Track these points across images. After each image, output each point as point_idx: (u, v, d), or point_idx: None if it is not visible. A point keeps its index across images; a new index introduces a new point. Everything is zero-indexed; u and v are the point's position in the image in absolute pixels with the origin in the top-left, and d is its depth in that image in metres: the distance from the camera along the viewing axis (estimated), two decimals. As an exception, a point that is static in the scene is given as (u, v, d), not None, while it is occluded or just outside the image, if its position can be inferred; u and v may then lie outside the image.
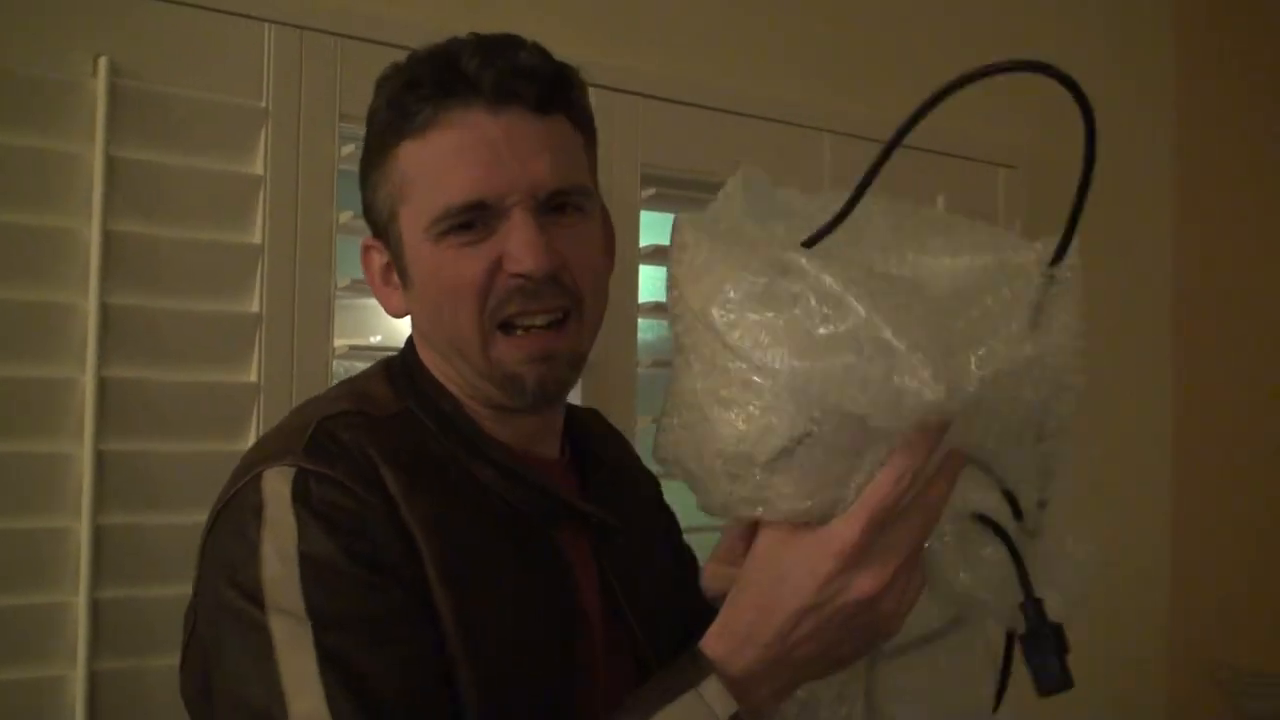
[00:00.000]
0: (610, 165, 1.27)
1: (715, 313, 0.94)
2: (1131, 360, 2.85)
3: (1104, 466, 2.71)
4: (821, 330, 0.90)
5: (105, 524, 1.52)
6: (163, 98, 1.59)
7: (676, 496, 1.48)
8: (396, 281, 1.21)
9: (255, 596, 1.02)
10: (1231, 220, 2.90)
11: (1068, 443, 1.03)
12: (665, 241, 2.05)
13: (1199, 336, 2.93)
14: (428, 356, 1.21)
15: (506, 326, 1.14)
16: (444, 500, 1.11)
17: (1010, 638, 1.10)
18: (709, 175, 2.13)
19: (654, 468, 1.30)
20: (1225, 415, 2.88)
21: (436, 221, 1.13)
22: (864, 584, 0.95)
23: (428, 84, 1.13)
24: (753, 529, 1.03)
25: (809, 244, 1.01)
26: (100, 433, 1.52)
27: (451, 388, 1.19)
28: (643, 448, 2.00)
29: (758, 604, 0.99)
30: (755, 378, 0.92)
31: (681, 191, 2.11)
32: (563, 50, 1.19)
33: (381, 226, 1.20)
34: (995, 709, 1.12)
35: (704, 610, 1.43)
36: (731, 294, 0.94)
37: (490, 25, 1.19)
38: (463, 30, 1.19)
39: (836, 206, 1.05)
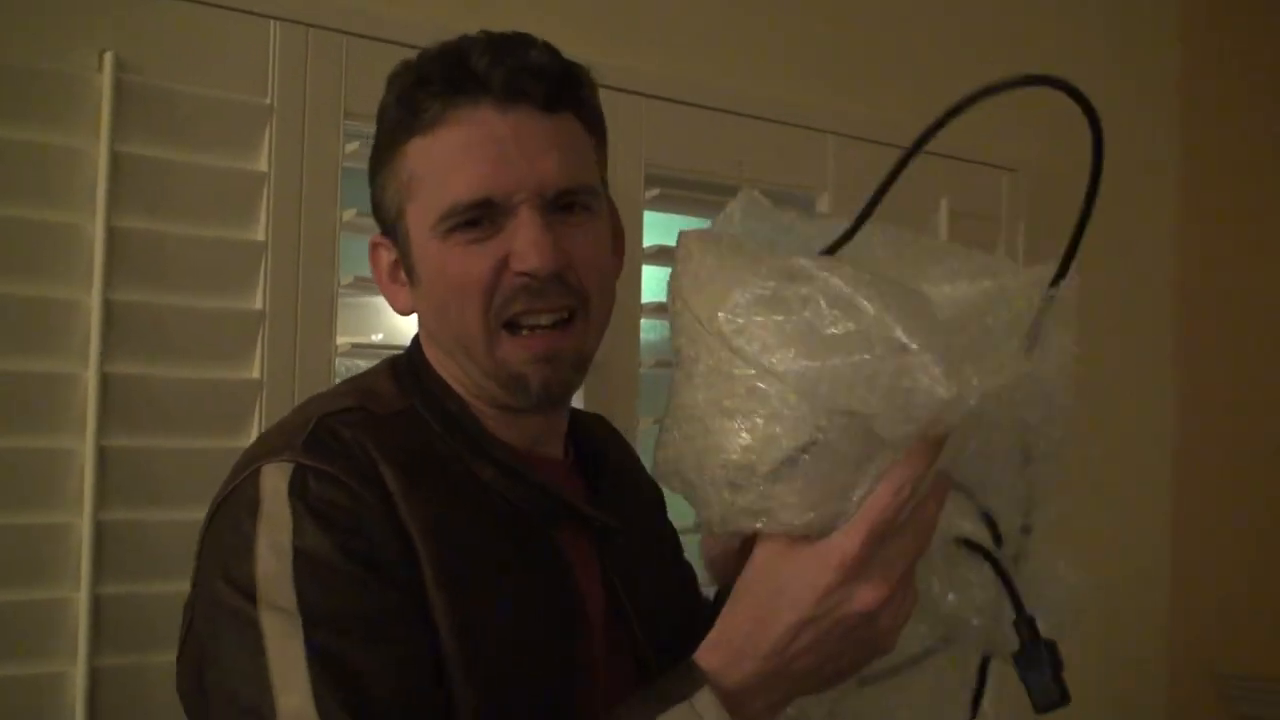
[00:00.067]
0: (614, 165, 1.27)
1: (723, 318, 0.94)
2: (1133, 362, 2.85)
3: (1104, 468, 2.71)
4: (831, 331, 0.90)
5: (107, 520, 1.52)
6: (168, 94, 1.59)
7: (672, 502, 1.48)
8: (404, 279, 1.21)
9: (248, 591, 1.02)
10: (1234, 220, 2.90)
11: (1055, 468, 1.04)
12: (669, 242, 2.05)
13: (1200, 338, 2.93)
14: (433, 355, 1.21)
15: (512, 326, 1.14)
16: (444, 499, 1.11)
17: (985, 661, 1.10)
18: (713, 176, 2.14)
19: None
20: (1226, 417, 2.88)
21: (443, 218, 1.13)
22: (865, 596, 0.95)
23: (437, 81, 1.14)
24: (749, 542, 1.03)
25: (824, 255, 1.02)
26: (103, 428, 1.52)
27: (456, 386, 1.19)
28: (644, 448, 2.01)
29: (755, 615, 0.99)
30: (761, 383, 0.92)
31: (685, 192, 2.11)
32: (566, 50, 1.19)
33: (389, 223, 1.20)
34: None
35: (703, 613, 1.44)
36: (739, 299, 0.94)
37: (494, 24, 1.19)
38: (467, 29, 1.19)
39: (836, 230, 1.04)
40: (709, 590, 1.38)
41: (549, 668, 1.13)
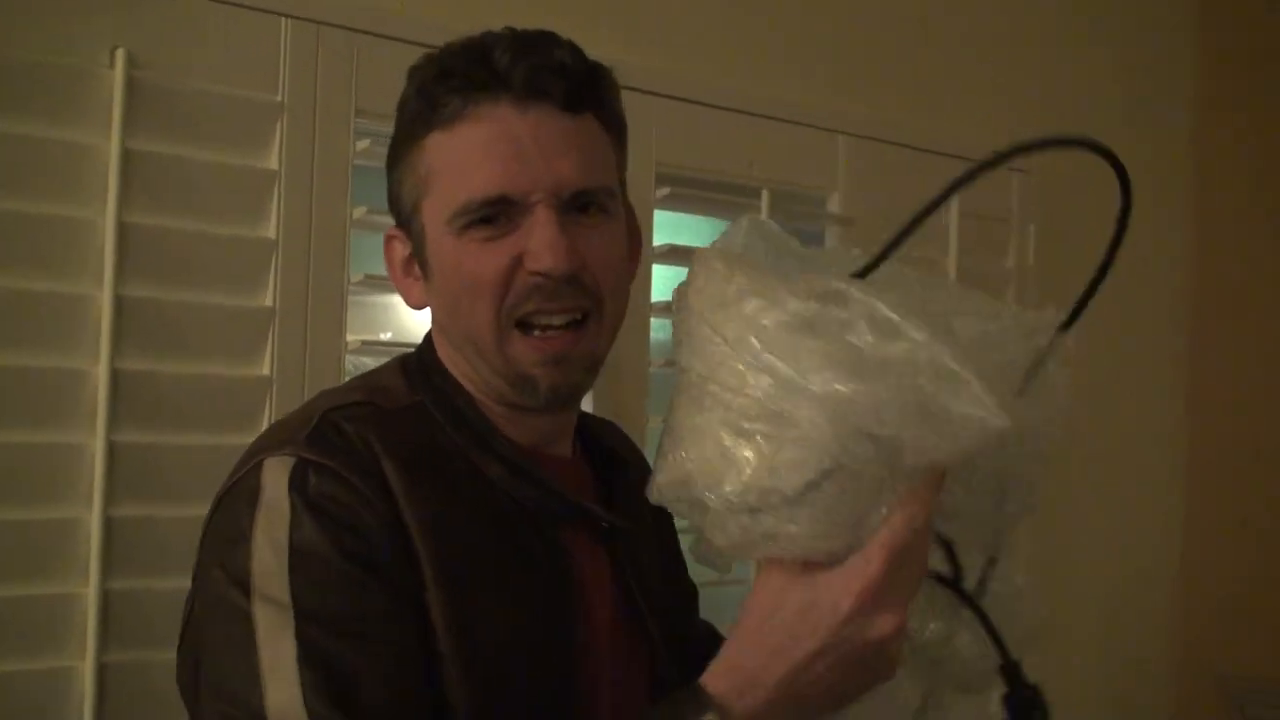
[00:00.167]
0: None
1: (754, 340, 0.92)
2: (1145, 365, 2.84)
3: (1113, 469, 2.71)
4: (876, 355, 0.89)
5: (116, 515, 1.52)
6: (179, 90, 1.59)
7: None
8: (418, 273, 1.21)
9: (243, 583, 1.03)
10: (1249, 221, 2.90)
11: (1030, 502, 1.03)
12: (679, 241, 2.06)
13: (1211, 340, 2.93)
14: (444, 351, 1.21)
15: (524, 325, 1.14)
16: (447, 496, 1.11)
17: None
18: (723, 175, 2.14)
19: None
20: (1235, 419, 2.87)
21: (459, 214, 1.12)
22: (882, 624, 0.94)
23: (458, 76, 1.13)
24: None
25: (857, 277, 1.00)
26: (113, 424, 1.52)
27: (466, 383, 1.19)
28: (653, 447, 2.01)
29: (769, 643, 0.96)
30: (789, 405, 0.90)
31: (696, 191, 2.11)
32: (578, 48, 1.19)
33: (405, 217, 1.20)
34: None
35: (699, 618, 1.44)
36: (776, 319, 0.92)
37: (504, 22, 1.18)
38: (478, 27, 1.18)
39: (845, 261, 1.01)
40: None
41: (547, 667, 1.13)
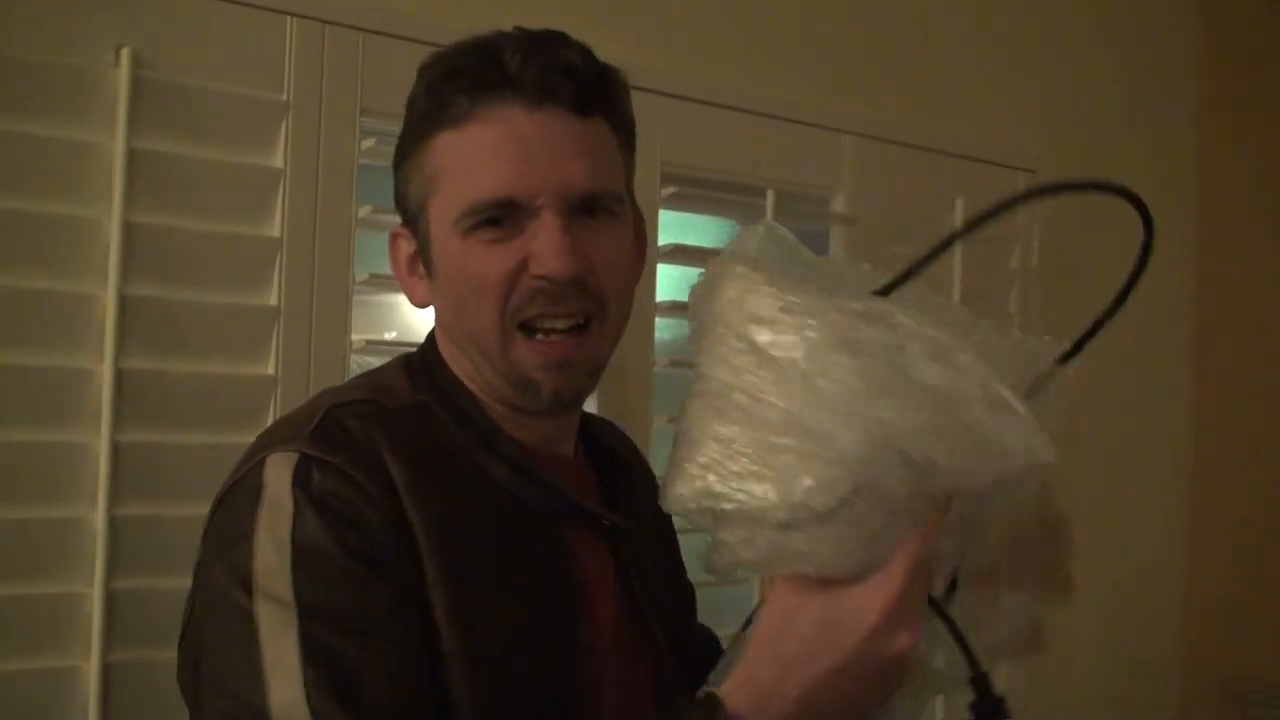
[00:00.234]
0: (631, 165, 1.27)
1: (793, 355, 0.92)
2: (1147, 365, 2.84)
3: (1117, 472, 2.70)
4: (925, 380, 0.89)
5: (121, 515, 1.52)
6: (184, 89, 1.59)
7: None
8: (422, 272, 1.21)
9: (245, 580, 1.02)
10: (1251, 221, 2.89)
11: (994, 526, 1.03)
12: (684, 241, 2.06)
13: (1217, 342, 2.92)
14: (448, 351, 1.21)
15: (527, 328, 1.14)
16: (450, 495, 1.11)
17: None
18: (728, 175, 2.13)
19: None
20: (1241, 422, 2.87)
21: (465, 215, 1.12)
22: (902, 639, 0.94)
23: (468, 76, 1.13)
24: None
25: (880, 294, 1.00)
26: (117, 423, 1.52)
27: (469, 383, 1.19)
28: (658, 447, 2.01)
29: (787, 658, 0.96)
30: (826, 423, 0.90)
31: (701, 191, 2.11)
32: (583, 49, 1.18)
33: (411, 216, 1.20)
34: None
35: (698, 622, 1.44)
36: (817, 336, 0.92)
37: (511, 22, 1.18)
38: (485, 26, 1.18)
39: (860, 274, 1.02)
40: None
41: (550, 666, 1.13)
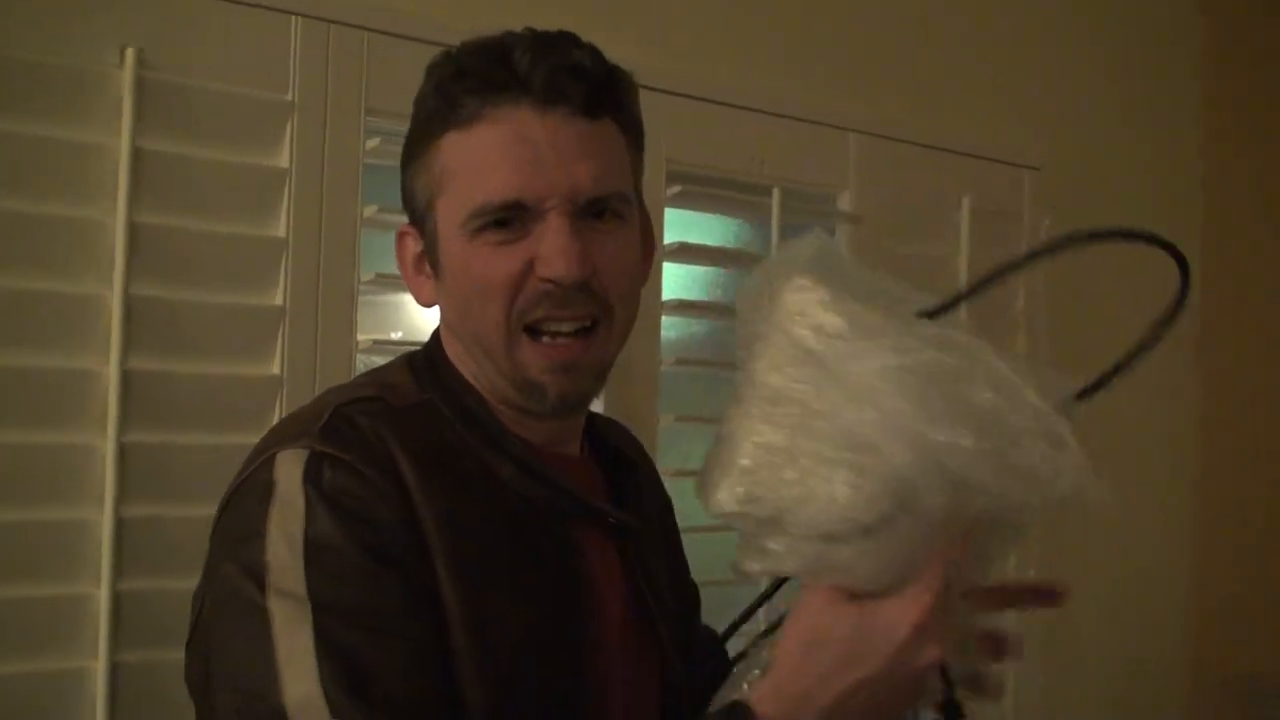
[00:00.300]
0: (636, 164, 1.26)
1: (862, 373, 0.93)
2: (1157, 367, 2.83)
3: (1125, 470, 2.69)
4: (987, 409, 0.92)
5: (127, 516, 1.52)
6: (189, 90, 1.59)
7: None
8: (429, 271, 1.20)
9: (258, 577, 1.02)
10: (1257, 220, 2.89)
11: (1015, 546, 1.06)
12: (690, 239, 2.05)
13: (1222, 343, 2.91)
14: (453, 350, 1.21)
15: (533, 331, 1.13)
16: (458, 493, 1.11)
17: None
18: (734, 173, 2.13)
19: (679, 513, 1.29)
20: (1247, 421, 2.86)
21: (472, 217, 1.12)
22: (930, 653, 0.97)
23: (477, 76, 1.12)
24: None
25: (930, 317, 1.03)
26: (123, 424, 1.52)
27: (474, 382, 1.19)
28: (664, 445, 2.01)
29: (817, 668, 0.98)
30: (885, 441, 0.92)
31: (706, 189, 2.10)
32: (588, 47, 1.18)
33: (418, 215, 1.19)
34: None
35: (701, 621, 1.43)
36: (891, 361, 0.93)
37: (515, 21, 1.18)
38: (490, 26, 1.18)
39: (909, 298, 1.03)
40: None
41: (559, 665, 1.13)
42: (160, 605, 1.51)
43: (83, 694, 1.49)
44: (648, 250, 1.26)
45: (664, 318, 2.03)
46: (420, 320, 1.93)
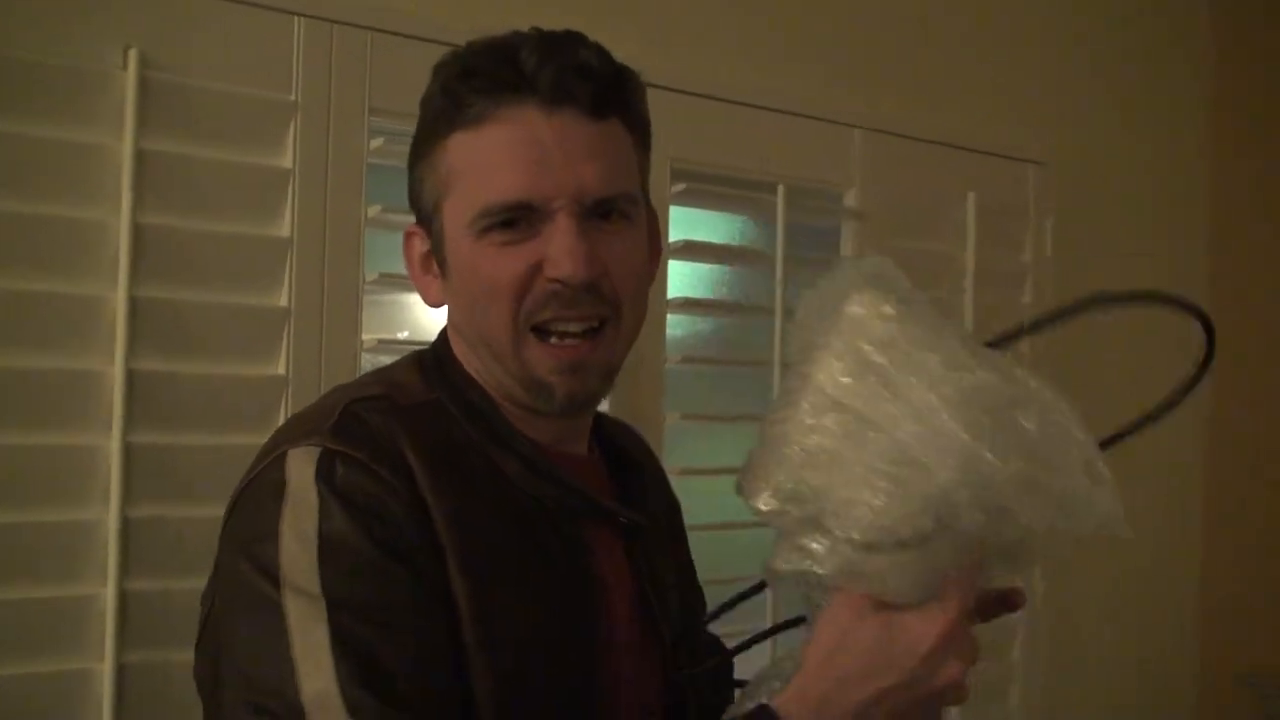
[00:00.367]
0: (641, 162, 1.26)
1: (925, 392, 0.96)
2: (1165, 363, 2.82)
3: (1134, 467, 2.69)
4: (1037, 439, 0.95)
5: (133, 516, 1.52)
6: (192, 90, 1.59)
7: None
8: (436, 270, 1.20)
9: (271, 574, 1.02)
10: (1264, 216, 2.88)
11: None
12: (695, 237, 2.05)
13: (1231, 341, 2.90)
14: (460, 350, 1.21)
15: (541, 331, 1.13)
16: (467, 491, 1.11)
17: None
18: (739, 171, 2.13)
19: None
20: (1256, 417, 2.85)
21: (479, 217, 1.12)
22: (951, 670, 0.99)
23: (484, 76, 1.12)
24: None
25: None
26: (129, 425, 1.52)
27: (482, 382, 1.19)
28: (669, 443, 2.00)
29: (841, 675, 1.00)
30: (935, 460, 0.94)
31: (711, 187, 2.10)
32: (592, 45, 1.17)
33: (425, 215, 1.19)
34: None
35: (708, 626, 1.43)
36: (953, 379, 0.96)
37: (519, 19, 1.17)
38: (493, 25, 1.18)
39: (943, 325, 1.04)
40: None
41: (568, 664, 1.13)
42: (166, 606, 1.51)
43: (89, 695, 1.49)
44: (655, 250, 1.26)
45: (669, 316, 2.03)
46: (425, 319, 1.93)
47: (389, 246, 1.74)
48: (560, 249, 1.10)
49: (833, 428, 0.98)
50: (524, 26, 1.16)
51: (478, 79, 1.13)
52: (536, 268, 1.11)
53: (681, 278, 2.12)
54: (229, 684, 1.04)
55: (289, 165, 1.65)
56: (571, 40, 1.14)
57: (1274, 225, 2.85)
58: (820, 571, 0.99)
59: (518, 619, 1.09)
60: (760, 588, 1.15)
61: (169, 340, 1.56)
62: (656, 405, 1.99)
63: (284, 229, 1.65)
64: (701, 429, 2.15)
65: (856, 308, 1.01)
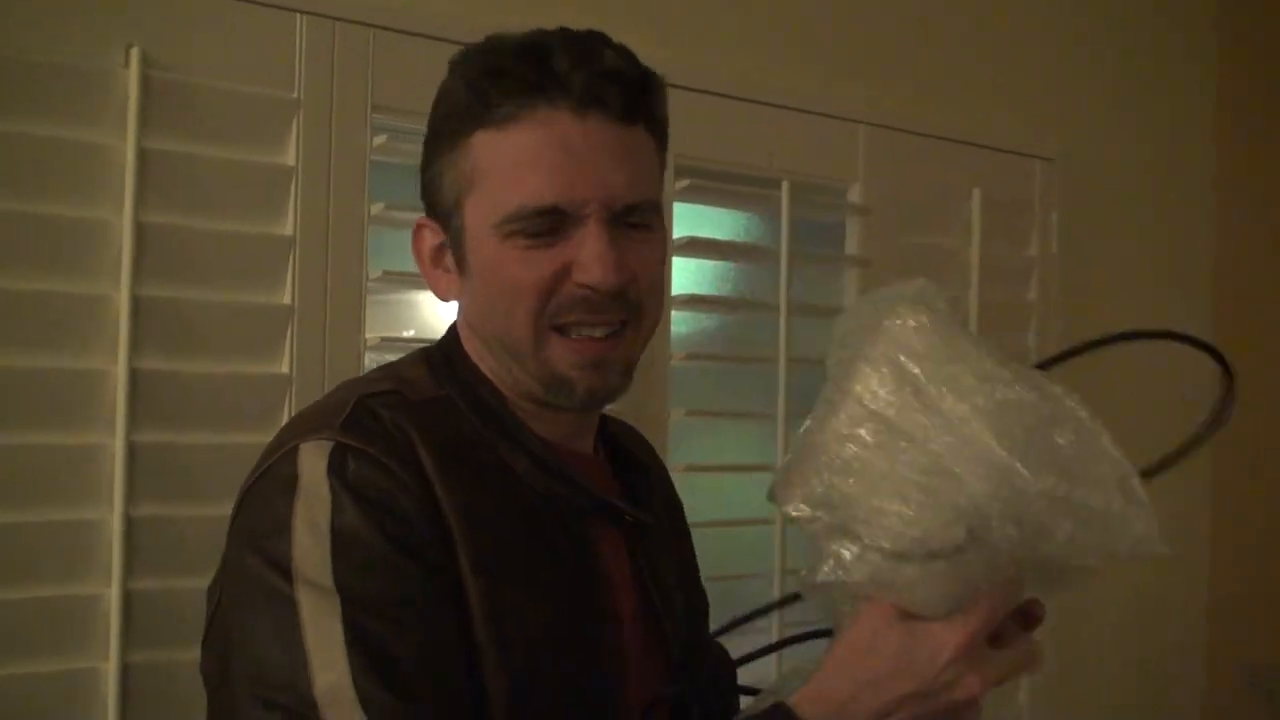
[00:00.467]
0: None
1: (961, 405, 0.97)
2: (1172, 357, 2.82)
3: (1142, 459, 2.68)
4: (1070, 456, 0.95)
5: (137, 515, 1.52)
6: (194, 89, 1.59)
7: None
8: (449, 265, 1.19)
9: (283, 568, 1.02)
10: (1273, 212, 2.88)
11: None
12: (698, 233, 2.04)
13: (1237, 340, 2.89)
14: (472, 346, 1.20)
15: (561, 329, 1.13)
16: (477, 487, 1.11)
17: None
18: (743, 167, 2.12)
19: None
20: (1266, 413, 2.84)
21: (508, 220, 1.11)
22: (970, 684, 0.98)
23: (514, 77, 1.11)
24: None
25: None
26: (132, 424, 1.52)
27: (493, 378, 1.19)
28: (675, 441, 2.00)
29: (861, 678, 0.99)
30: (968, 472, 0.95)
31: (715, 183, 2.09)
32: (596, 40, 1.17)
33: (442, 210, 1.18)
34: None
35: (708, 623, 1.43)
36: (987, 394, 0.97)
37: (522, 15, 1.17)
38: (495, 22, 1.17)
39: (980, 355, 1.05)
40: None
41: (578, 658, 1.13)
42: (171, 604, 1.52)
43: (94, 694, 1.49)
44: (666, 250, 1.26)
45: (674, 312, 2.02)
46: (433, 321, 1.93)
47: (392, 244, 1.74)
48: (592, 256, 1.10)
49: (867, 438, 0.99)
50: (527, 22, 1.16)
51: (508, 79, 1.11)
52: (562, 272, 1.11)
53: (686, 274, 2.12)
54: (238, 678, 1.04)
55: (292, 163, 1.65)
56: (599, 42, 1.14)
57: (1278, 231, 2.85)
58: (853, 578, 0.99)
59: (528, 617, 1.09)
60: (794, 598, 1.15)
61: (172, 339, 1.56)
62: (661, 402, 1.99)
63: (287, 227, 1.65)
64: (706, 425, 2.15)
65: (895, 320, 1.02)
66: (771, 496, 1.06)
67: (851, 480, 0.99)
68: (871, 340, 1.02)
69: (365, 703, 0.97)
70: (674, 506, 1.43)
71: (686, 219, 2.07)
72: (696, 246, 2.05)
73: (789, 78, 2.19)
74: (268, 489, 1.08)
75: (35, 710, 1.47)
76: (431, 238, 1.21)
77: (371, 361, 1.69)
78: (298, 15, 1.66)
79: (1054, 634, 2.50)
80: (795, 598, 1.14)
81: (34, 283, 1.48)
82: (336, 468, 1.05)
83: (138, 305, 1.52)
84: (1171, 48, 2.91)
